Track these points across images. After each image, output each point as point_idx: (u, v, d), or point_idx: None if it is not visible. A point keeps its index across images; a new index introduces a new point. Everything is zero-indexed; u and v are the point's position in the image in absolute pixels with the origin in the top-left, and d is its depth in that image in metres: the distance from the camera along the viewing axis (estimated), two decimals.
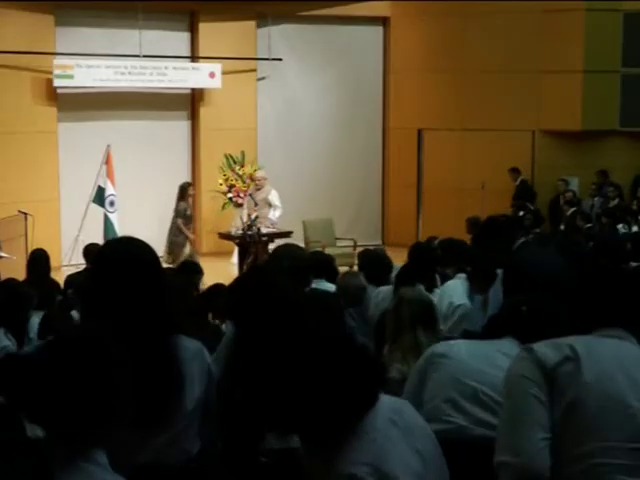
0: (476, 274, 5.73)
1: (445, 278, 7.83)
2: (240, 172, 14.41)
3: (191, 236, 12.66)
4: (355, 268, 10.94)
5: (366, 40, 16.22)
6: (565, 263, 4.09)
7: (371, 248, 8.58)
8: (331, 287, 7.91)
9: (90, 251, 9.23)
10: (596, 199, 14.60)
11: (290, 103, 15.84)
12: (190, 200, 12.83)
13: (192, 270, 7.94)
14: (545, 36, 14.84)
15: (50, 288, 7.66)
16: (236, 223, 13.00)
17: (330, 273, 8.15)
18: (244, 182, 14.13)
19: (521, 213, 14.21)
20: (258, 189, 13.15)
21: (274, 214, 12.98)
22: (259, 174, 13.56)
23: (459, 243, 9.07)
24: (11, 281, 7.89)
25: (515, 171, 15.14)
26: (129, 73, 14.13)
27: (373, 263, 7.60)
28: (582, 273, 3.60)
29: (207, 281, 9.16)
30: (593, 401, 2.48)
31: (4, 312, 5.93)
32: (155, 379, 2.78)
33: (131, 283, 2.85)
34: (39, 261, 8.31)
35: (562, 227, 13.62)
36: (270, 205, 13.08)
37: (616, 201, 14.20)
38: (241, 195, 14.03)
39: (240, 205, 14.03)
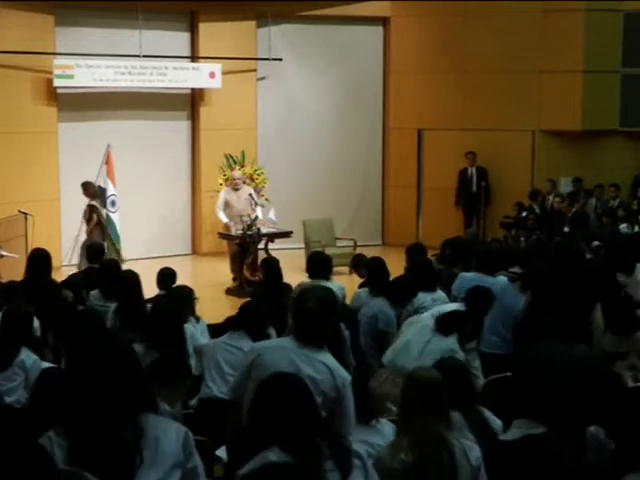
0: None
1: (453, 277, 7.88)
2: (240, 172, 14.39)
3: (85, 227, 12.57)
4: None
5: (366, 40, 16.20)
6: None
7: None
8: (333, 286, 7.95)
9: (93, 250, 9.20)
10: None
11: (290, 103, 15.83)
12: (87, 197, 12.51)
13: (186, 296, 7.61)
14: (545, 36, 14.84)
15: (50, 288, 7.65)
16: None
17: (327, 273, 8.21)
18: (244, 182, 14.07)
19: (524, 214, 14.21)
20: (236, 189, 12.75)
21: (272, 213, 12.91)
22: (235, 174, 13.19)
23: (466, 243, 9.14)
24: (12, 283, 7.87)
25: (472, 154, 15.27)
26: (129, 73, 14.12)
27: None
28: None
29: (206, 280, 9.24)
30: None
31: (23, 332, 6.08)
32: (110, 457, 2.82)
33: (100, 372, 2.89)
34: (40, 261, 8.28)
35: (566, 229, 13.58)
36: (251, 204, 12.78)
37: (617, 201, 14.21)
38: None
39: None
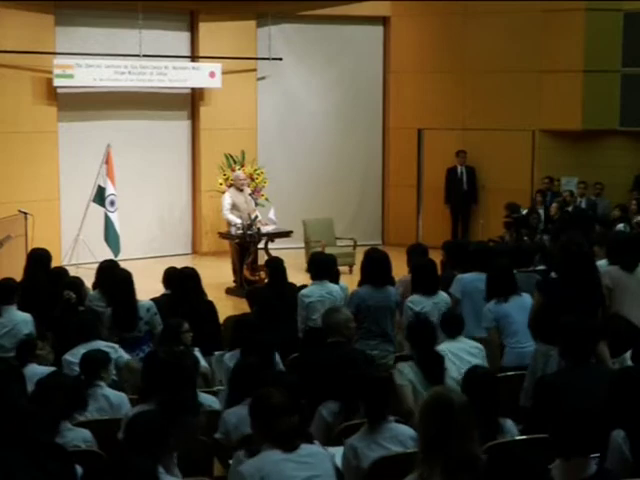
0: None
1: (451, 278, 7.84)
2: (240, 171, 14.38)
3: None
4: (356, 268, 10.95)
5: (366, 40, 16.20)
6: None
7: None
8: (334, 288, 7.92)
9: (103, 268, 8.36)
10: (598, 199, 14.61)
11: (290, 103, 15.83)
12: None
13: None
14: (545, 36, 14.84)
15: (52, 287, 7.64)
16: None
17: (333, 274, 8.16)
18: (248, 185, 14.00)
19: (524, 212, 14.19)
20: (241, 190, 12.75)
21: (272, 213, 12.88)
22: (241, 175, 13.15)
23: (463, 245, 9.10)
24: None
25: (463, 153, 15.37)
26: (129, 73, 14.11)
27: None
28: None
29: (206, 280, 9.14)
30: None
31: None
32: None
33: None
34: (39, 260, 8.25)
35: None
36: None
37: (583, 199, 14.35)
38: None
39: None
